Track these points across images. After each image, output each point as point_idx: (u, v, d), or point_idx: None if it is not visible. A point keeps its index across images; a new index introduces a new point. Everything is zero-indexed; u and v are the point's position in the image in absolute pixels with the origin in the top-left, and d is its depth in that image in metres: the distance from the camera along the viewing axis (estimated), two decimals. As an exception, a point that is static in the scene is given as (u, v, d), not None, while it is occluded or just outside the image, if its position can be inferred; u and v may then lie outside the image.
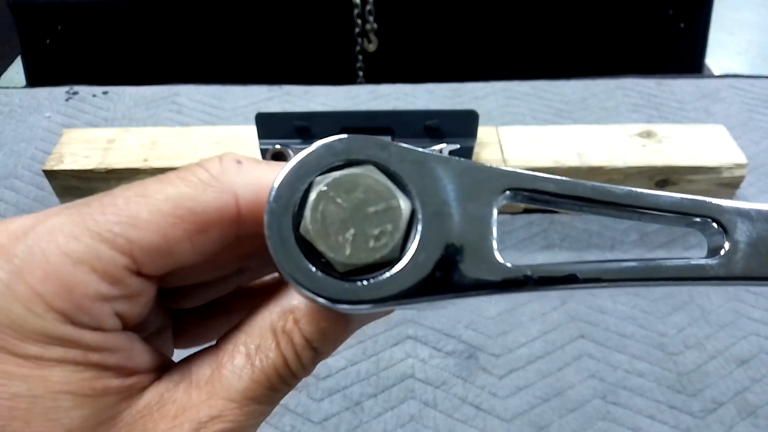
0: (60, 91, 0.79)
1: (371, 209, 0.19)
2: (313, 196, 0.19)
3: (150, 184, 0.19)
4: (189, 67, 1.12)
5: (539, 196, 0.20)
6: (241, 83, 0.79)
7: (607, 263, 0.20)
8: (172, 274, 0.20)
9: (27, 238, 0.18)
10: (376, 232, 0.19)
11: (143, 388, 0.20)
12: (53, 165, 0.59)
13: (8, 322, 0.17)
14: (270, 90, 0.78)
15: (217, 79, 0.81)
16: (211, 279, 0.24)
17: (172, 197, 0.19)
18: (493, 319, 0.53)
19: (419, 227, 0.19)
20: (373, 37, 1.07)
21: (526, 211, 0.61)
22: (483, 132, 0.60)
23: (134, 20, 1.08)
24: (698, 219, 0.21)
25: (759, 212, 0.20)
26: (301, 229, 0.19)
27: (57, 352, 0.18)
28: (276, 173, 0.20)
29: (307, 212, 0.19)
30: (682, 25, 1.10)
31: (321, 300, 0.19)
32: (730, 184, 0.59)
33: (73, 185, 0.60)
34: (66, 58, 1.09)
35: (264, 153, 0.56)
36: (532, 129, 0.63)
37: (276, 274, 0.25)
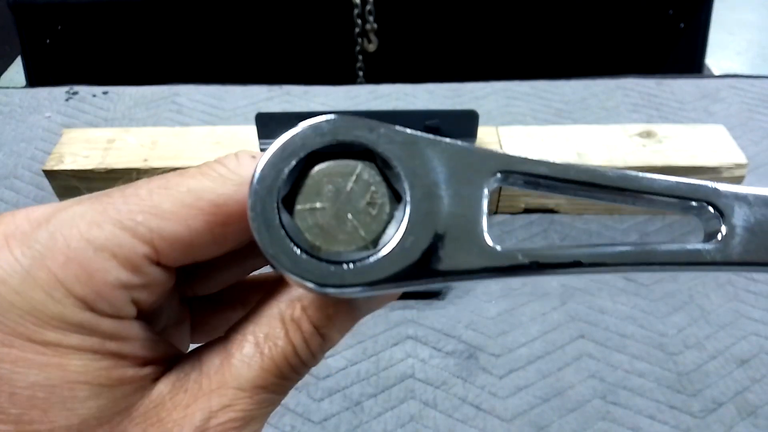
0: (60, 91, 0.79)
1: (357, 201, 0.18)
2: (301, 181, 0.18)
3: (171, 177, 0.20)
4: (189, 67, 1.12)
5: (531, 179, 0.20)
6: (241, 83, 0.79)
7: (601, 247, 0.20)
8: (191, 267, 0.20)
9: (49, 224, 0.18)
10: (362, 215, 0.18)
11: (156, 379, 0.20)
12: (53, 165, 0.59)
13: (28, 308, 0.17)
14: (270, 90, 0.78)
15: (217, 79, 0.80)
16: (226, 265, 0.24)
17: (193, 189, 0.19)
18: (493, 319, 0.53)
19: (407, 209, 0.19)
20: (373, 37, 1.07)
21: (526, 211, 0.61)
22: (483, 132, 0.60)
23: (134, 20, 1.08)
24: (695, 203, 0.20)
25: (757, 197, 0.20)
26: (289, 213, 0.18)
27: (75, 339, 0.18)
28: None
29: (297, 197, 0.18)
30: (682, 25, 1.10)
31: (307, 283, 0.18)
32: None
33: (73, 185, 0.60)
34: (66, 58, 1.09)
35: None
36: (532, 129, 0.63)
37: None
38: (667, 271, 0.20)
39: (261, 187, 0.18)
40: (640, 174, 0.20)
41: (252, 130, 0.58)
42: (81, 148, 0.60)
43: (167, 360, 0.21)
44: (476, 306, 0.54)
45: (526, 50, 1.13)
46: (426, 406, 0.47)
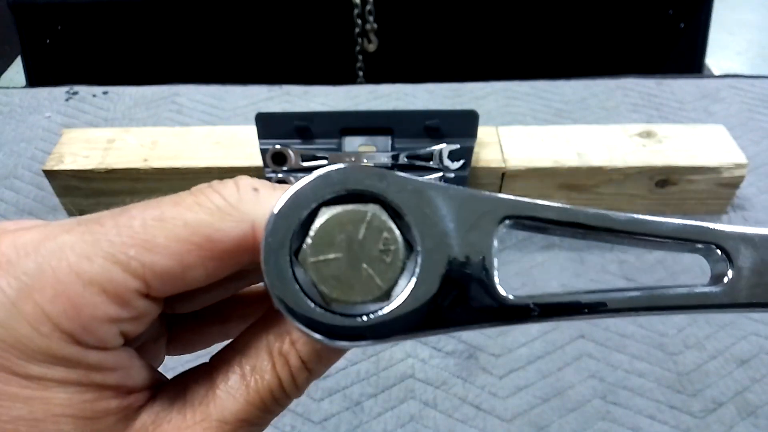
0: (60, 91, 0.79)
1: (370, 249, 0.18)
2: (312, 231, 0.18)
3: (167, 208, 0.19)
4: (189, 67, 1.12)
5: (540, 224, 0.20)
6: (241, 83, 0.79)
7: (611, 293, 0.20)
8: (179, 295, 0.20)
9: (37, 254, 0.18)
10: (376, 263, 0.18)
11: (139, 408, 0.20)
12: (53, 165, 0.59)
13: (12, 341, 0.17)
14: (270, 90, 0.78)
15: (217, 79, 0.80)
16: (209, 287, 0.24)
17: (190, 223, 0.19)
18: (493, 319, 0.53)
19: (419, 260, 0.19)
20: (373, 37, 1.07)
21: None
22: (483, 132, 0.59)
23: (134, 20, 1.08)
24: (701, 245, 0.20)
25: (763, 238, 0.20)
26: (302, 266, 0.18)
27: (60, 372, 0.18)
28: None
29: (307, 249, 0.18)
30: (682, 25, 1.10)
31: (318, 336, 0.18)
32: (730, 184, 0.59)
33: (73, 185, 0.60)
34: (66, 58, 1.09)
35: (264, 153, 0.56)
36: (532, 129, 0.62)
37: None
38: (676, 314, 0.20)
39: (274, 240, 0.18)
40: (648, 218, 0.20)
41: (252, 130, 0.58)
42: (81, 148, 0.60)
43: (150, 387, 0.21)
44: (476, 306, 0.54)
45: (526, 50, 1.13)
46: (426, 406, 0.47)
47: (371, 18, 1.05)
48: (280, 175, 0.56)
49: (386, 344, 0.20)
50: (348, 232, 0.18)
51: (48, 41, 1.07)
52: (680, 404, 0.47)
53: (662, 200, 0.61)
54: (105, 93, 0.78)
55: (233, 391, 0.20)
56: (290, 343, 0.20)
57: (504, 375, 0.49)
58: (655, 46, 1.13)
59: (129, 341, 0.20)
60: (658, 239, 0.20)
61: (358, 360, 0.50)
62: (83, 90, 0.78)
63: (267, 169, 0.56)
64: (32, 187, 0.65)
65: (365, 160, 0.54)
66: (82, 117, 0.75)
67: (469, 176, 0.56)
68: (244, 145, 0.60)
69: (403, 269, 0.18)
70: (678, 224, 0.20)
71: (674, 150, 0.59)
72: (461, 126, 0.57)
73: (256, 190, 0.20)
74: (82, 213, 0.62)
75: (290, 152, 0.56)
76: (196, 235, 0.19)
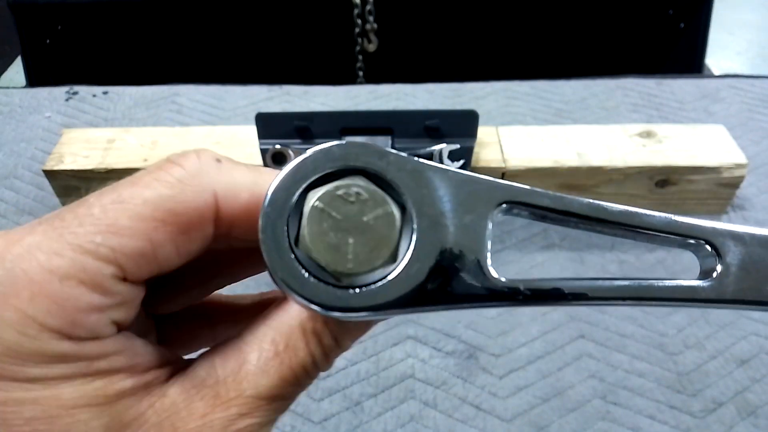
0: (60, 91, 0.79)
1: (366, 218, 0.19)
2: (309, 204, 0.19)
3: (123, 189, 0.19)
4: (189, 67, 1.12)
5: (535, 210, 0.20)
6: (241, 83, 0.79)
7: (600, 281, 0.20)
8: (155, 283, 0.20)
9: (4, 260, 0.17)
10: (370, 240, 0.18)
11: (162, 383, 0.20)
12: (53, 165, 0.59)
13: (3, 349, 0.17)
14: (270, 90, 0.78)
15: (217, 79, 0.80)
16: (189, 284, 0.24)
17: (150, 200, 0.18)
18: (493, 319, 0.53)
19: (414, 237, 0.19)
20: (373, 37, 1.07)
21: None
22: (483, 132, 0.60)
23: (134, 20, 1.08)
24: (692, 241, 0.21)
25: (752, 236, 0.20)
26: (298, 237, 0.19)
27: (61, 369, 0.18)
28: (255, 176, 0.20)
29: (304, 220, 0.18)
30: (682, 25, 1.10)
31: (314, 306, 0.18)
32: (730, 184, 0.59)
33: (73, 185, 0.60)
34: (66, 58, 1.09)
35: (264, 153, 0.56)
36: (532, 129, 0.62)
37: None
38: (664, 306, 0.21)
39: (272, 210, 0.18)
40: (641, 211, 0.20)
41: (252, 130, 0.58)
42: (81, 148, 0.60)
43: (168, 363, 0.21)
44: (476, 306, 0.54)
45: (526, 50, 1.13)
46: (426, 406, 0.47)
47: (371, 18, 1.05)
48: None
49: (381, 318, 0.20)
50: (345, 205, 0.19)
51: (48, 41, 1.07)
52: (680, 404, 0.47)
53: (662, 200, 0.61)
54: (105, 93, 0.78)
55: (267, 367, 0.20)
56: (324, 322, 0.20)
57: (504, 375, 0.49)
58: (655, 46, 1.13)
59: (123, 329, 0.20)
60: (649, 232, 0.21)
61: (358, 360, 0.50)
62: (83, 90, 0.78)
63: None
64: (32, 187, 0.65)
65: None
66: (82, 117, 0.75)
67: (469, 176, 0.56)
68: (244, 145, 0.60)
69: (398, 244, 0.19)
70: (670, 219, 0.20)
71: (674, 150, 0.59)
72: (461, 126, 0.57)
73: (218, 161, 0.20)
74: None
75: (290, 152, 0.56)
76: (158, 211, 0.18)
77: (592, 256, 0.58)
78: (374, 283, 0.19)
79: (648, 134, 0.61)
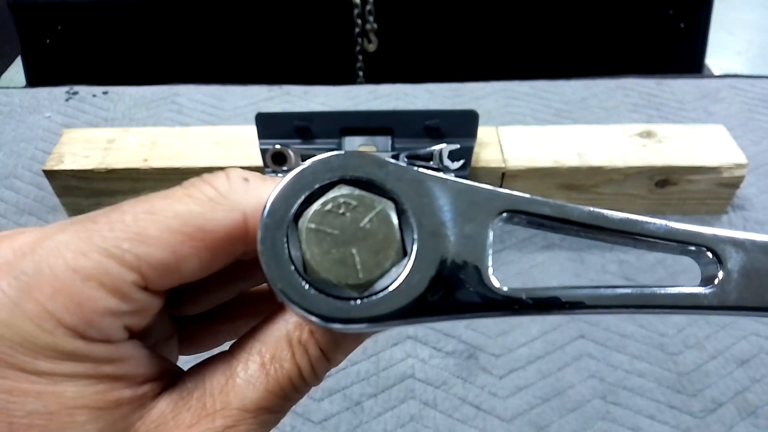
0: (60, 91, 0.79)
1: (362, 224, 0.18)
2: (308, 215, 0.18)
3: (157, 201, 0.19)
4: (189, 67, 1.12)
5: (535, 219, 0.20)
6: (241, 83, 0.79)
7: (603, 289, 0.20)
8: (178, 288, 0.20)
9: (34, 254, 0.18)
10: (370, 251, 0.18)
11: (155, 396, 0.20)
12: (53, 165, 0.59)
13: (19, 339, 0.17)
14: (270, 90, 0.78)
15: (217, 79, 0.80)
16: (214, 287, 0.24)
17: (180, 215, 0.19)
18: (493, 319, 0.53)
19: (414, 247, 0.19)
20: (373, 37, 1.07)
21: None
22: (483, 132, 0.59)
23: (134, 20, 1.08)
24: (693, 247, 0.21)
25: (753, 243, 0.20)
26: (297, 248, 0.18)
27: (69, 366, 0.18)
28: None
29: (303, 231, 0.18)
30: (682, 25, 1.10)
31: (313, 318, 0.18)
32: (730, 184, 0.59)
33: (73, 185, 0.60)
34: (66, 58, 1.09)
35: (264, 153, 0.56)
36: (532, 129, 0.62)
37: None
38: (666, 313, 0.21)
39: (271, 220, 0.18)
40: (642, 218, 0.20)
41: (252, 130, 0.58)
42: (81, 148, 0.60)
43: (165, 376, 0.21)
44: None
45: (526, 50, 1.13)
46: (426, 406, 0.47)
47: (371, 18, 1.05)
48: (280, 175, 0.56)
49: (381, 329, 0.20)
50: (344, 216, 0.18)
51: (48, 41, 1.07)
52: (680, 404, 0.47)
53: (662, 200, 0.61)
54: (105, 93, 0.78)
55: (253, 379, 0.20)
56: (309, 332, 0.20)
57: (504, 375, 0.49)
58: (655, 46, 1.13)
59: (135, 336, 0.20)
60: (650, 240, 0.21)
61: (358, 360, 0.50)
62: (83, 90, 0.78)
63: (267, 169, 0.56)
64: (32, 187, 0.65)
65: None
66: (82, 117, 0.75)
67: (469, 176, 0.56)
68: (244, 145, 0.60)
69: (398, 256, 0.19)
70: (671, 226, 0.20)
71: (674, 150, 0.59)
72: (461, 126, 0.57)
73: (246, 180, 0.20)
74: (82, 213, 0.62)
75: (290, 152, 0.56)
76: (188, 226, 0.19)
77: (592, 256, 0.58)
78: (375, 294, 0.18)
79: (648, 134, 0.61)
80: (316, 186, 0.19)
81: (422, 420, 0.46)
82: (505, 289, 0.20)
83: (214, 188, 0.20)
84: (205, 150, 0.60)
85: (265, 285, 0.26)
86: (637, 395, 0.48)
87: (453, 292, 0.19)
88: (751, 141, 0.70)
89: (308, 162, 0.19)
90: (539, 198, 0.20)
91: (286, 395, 0.20)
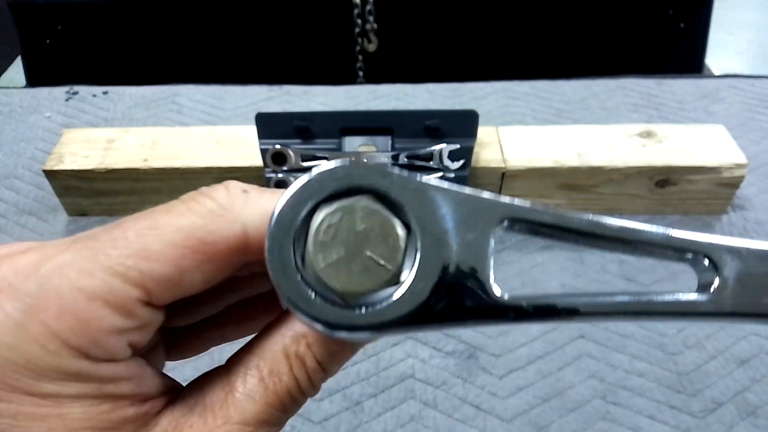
0: (60, 91, 0.79)
1: (370, 238, 0.19)
2: (314, 224, 0.19)
3: (159, 216, 0.19)
4: (189, 67, 1.12)
5: (536, 228, 0.21)
6: (241, 83, 0.79)
7: (602, 297, 0.21)
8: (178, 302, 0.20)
9: (38, 275, 0.18)
10: (375, 260, 0.19)
11: (156, 414, 0.20)
12: (53, 165, 0.59)
13: (23, 362, 0.17)
14: (270, 90, 0.78)
15: (217, 79, 0.80)
16: (205, 301, 0.25)
17: (183, 228, 0.19)
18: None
19: (418, 256, 0.19)
20: (373, 37, 1.07)
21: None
22: (483, 132, 0.59)
23: (134, 20, 1.08)
24: (690, 255, 0.21)
25: (749, 250, 0.21)
26: (304, 260, 0.19)
27: (73, 387, 0.18)
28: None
29: (309, 240, 0.19)
30: (682, 25, 1.10)
31: (319, 326, 0.19)
32: (730, 184, 0.59)
33: (73, 185, 0.60)
34: (66, 58, 1.09)
35: (264, 153, 0.56)
36: (532, 129, 0.62)
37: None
38: (663, 320, 0.21)
39: (278, 230, 0.19)
40: (639, 226, 0.21)
41: (252, 130, 0.58)
42: (81, 148, 0.60)
43: (166, 392, 0.21)
44: (476, 306, 0.54)
45: (526, 50, 1.13)
46: (426, 406, 0.47)
47: (371, 18, 1.05)
48: (279, 176, 0.56)
49: (385, 337, 0.20)
50: (350, 225, 0.19)
51: (48, 41, 1.07)
52: (680, 404, 0.47)
53: (662, 200, 0.61)
54: (105, 93, 0.78)
55: (252, 393, 0.20)
56: (306, 345, 0.21)
57: (504, 375, 0.49)
58: (655, 46, 1.13)
59: (138, 352, 0.20)
60: (648, 247, 0.21)
61: (358, 360, 0.50)
62: (83, 90, 0.78)
63: (267, 169, 0.56)
64: (32, 187, 0.65)
65: (365, 160, 0.54)
66: (82, 117, 0.75)
67: (469, 176, 0.56)
68: (244, 145, 0.60)
69: (402, 265, 0.19)
70: (667, 234, 0.21)
71: (674, 150, 0.59)
72: (461, 126, 0.57)
73: (245, 192, 0.20)
74: (82, 213, 0.62)
75: (290, 152, 0.56)
76: (190, 239, 0.19)
77: (592, 256, 0.58)
78: (379, 303, 0.19)
79: (648, 134, 0.61)
80: (323, 196, 0.19)
81: (422, 420, 0.46)
82: (506, 297, 0.20)
83: (214, 201, 0.20)
84: (205, 150, 0.60)
85: (252, 291, 0.26)
86: (637, 395, 0.48)
87: (455, 299, 0.19)
88: (751, 141, 0.70)
89: (314, 171, 0.19)
90: (539, 207, 0.20)
91: (285, 407, 0.21)
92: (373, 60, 1.10)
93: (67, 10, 1.06)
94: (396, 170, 0.19)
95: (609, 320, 0.21)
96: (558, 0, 1.09)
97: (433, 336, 0.51)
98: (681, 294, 0.21)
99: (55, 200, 0.62)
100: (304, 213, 0.19)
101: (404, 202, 0.19)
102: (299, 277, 0.19)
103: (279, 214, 0.19)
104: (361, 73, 1.11)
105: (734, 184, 0.59)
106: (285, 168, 0.56)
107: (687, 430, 0.46)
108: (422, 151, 0.56)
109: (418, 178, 0.20)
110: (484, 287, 0.20)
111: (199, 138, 0.61)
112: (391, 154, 0.56)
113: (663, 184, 0.59)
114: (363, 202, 0.19)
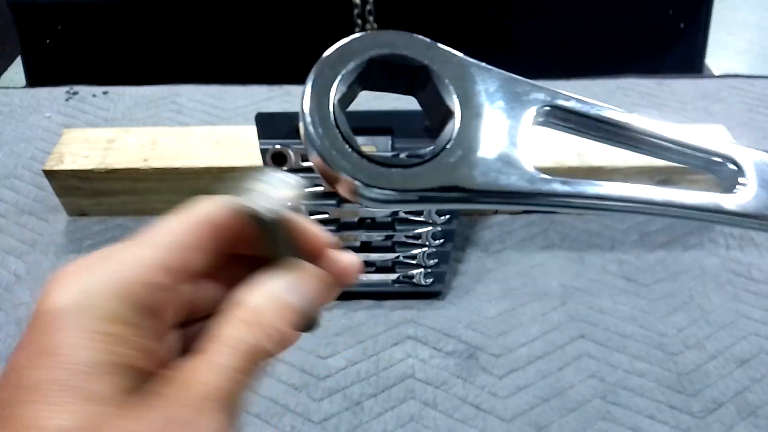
0: (60, 91, 0.79)
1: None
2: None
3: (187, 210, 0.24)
4: (189, 67, 1.11)
5: (570, 116, 0.21)
6: (241, 83, 0.79)
7: (631, 185, 0.21)
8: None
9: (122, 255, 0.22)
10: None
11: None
12: (53, 165, 0.59)
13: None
14: (270, 90, 0.78)
15: (217, 79, 0.80)
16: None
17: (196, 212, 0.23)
18: (493, 319, 0.53)
19: (456, 126, 0.19)
20: (373, 37, 1.07)
21: (526, 211, 0.61)
22: (483, 132, 0.59)
23: (134, 20, 1.08)
24: (718, 159, 0.22)
25: None
26: (343, 116, 0.19)
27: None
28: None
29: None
30: (682, 25, 1.10)
31: (356, 182, 0.18)
32: (730, 184, 0.59)
33: (73, 185, 0.60)
34: (66, 58, 1.09)
35: (264, 153, 0.56)
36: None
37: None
38: (688, 217, 0.22)
39: (318, 86, 0.19)
40: (674, 125, 0.22)
41: (252, 130, 0.57)
42: (81, 148, 0.60)
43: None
44: (476, 306, 0.54)
45: (526, 51, 1.13)
46: (426, 406, 0.47)
47: (371, 18, 1.05)
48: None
49: (413, 207, 0.20)
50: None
51: (48, 41, 1.07)
52: (680, 404, 0.47)
53: (662, 200, 0.61)
54: (105, 93, 0.78)
55: (211, 364, 0.22)
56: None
57: (504, 375, 0.49)
58: (655, 46, 1.13)
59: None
60: (680, 148, 0.22)
61: (358, 360, 0.50)
62: (83, 90, 0.78)
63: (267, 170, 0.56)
64: (32, 187, 0.65)
65: None
66: (82, 117, 0.75)
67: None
68: (244, 145, 0.60)
69: (441, 130, 0.19)
70: (697, 137, 0.22)
71: (674, 150, 0.59)
72: (461, 126, 0.57)
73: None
74: (82, 213, 0.62)
75: (290, 152, 0.56)
76: (197, 218, 0.23)
77: (592, 256, 0.58)
78: (414, 165, 0.19)
79: (648, 134, 0.61)
80: (363, 59, 0.19)
81: (422, 420, 0.46)
82: (540, 175, 0.20)
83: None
84: (205, 150, 0.60)
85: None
86: (637, 395, 0.48)
87: (488, 172, 0.20)
88: (751, 141, 0.70)
89: (357, 35, 0.20)
90: (578, 96, 0.21)
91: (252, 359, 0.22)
92: (373, 60, 1.10)
93: (67, 10, 1.06)
94: (441, 45, 0.20)
95: (634, 211, 0.21)
96: (558, 0, 1.09)
97: (433, 336, 0.51)
98: (706, 193, 0.21)
99: (55, 200, 0.62)
100: (346, 69, 0.19)
101: (445, 75, 0.20)
102: (337, 132, 0.19)
103: (319, 69, 0.19)
104: (361, 73, 1.11)
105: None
106: (285, 168, 0.56)
107: (687, 430, 0.46)
108: (422, 151, 0.56)
109: (461, 55, 0.20)
110: (518, 163, 0.20)
111: (199, 138, 0.61)
112: (391, 154, 0.56)
113: (663, 184, 0.59)
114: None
